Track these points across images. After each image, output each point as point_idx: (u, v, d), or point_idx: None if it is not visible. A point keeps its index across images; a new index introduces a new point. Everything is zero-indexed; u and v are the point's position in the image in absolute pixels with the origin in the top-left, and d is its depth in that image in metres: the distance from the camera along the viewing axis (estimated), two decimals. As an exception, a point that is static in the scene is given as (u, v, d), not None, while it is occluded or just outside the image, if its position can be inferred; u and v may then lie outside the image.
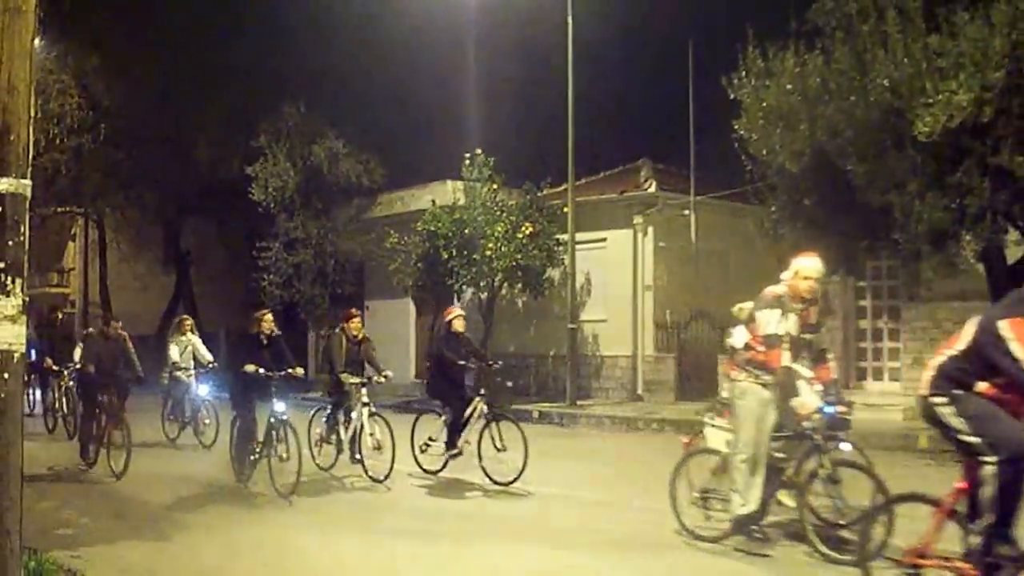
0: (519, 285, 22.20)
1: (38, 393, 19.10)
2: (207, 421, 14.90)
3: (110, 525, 9.39)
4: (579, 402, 20.58)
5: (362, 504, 10.73)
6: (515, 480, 11.11)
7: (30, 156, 4.40)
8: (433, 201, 23.40)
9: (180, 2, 28.10)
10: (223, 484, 11.42)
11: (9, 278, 4.28)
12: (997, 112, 11.90)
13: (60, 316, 18.24)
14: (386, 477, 11.43)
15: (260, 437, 11.16)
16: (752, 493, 7.71)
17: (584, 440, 16.91)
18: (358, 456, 11.86)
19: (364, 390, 11.87)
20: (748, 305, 8.68)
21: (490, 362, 12.75)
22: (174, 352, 15.51)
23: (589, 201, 22.76)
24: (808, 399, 7.61)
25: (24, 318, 4.37)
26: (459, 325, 12.29)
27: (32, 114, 4.43)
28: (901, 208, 12.84)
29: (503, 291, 22.86)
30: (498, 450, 11.41)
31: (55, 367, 16.41)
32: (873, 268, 17.43)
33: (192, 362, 15.49)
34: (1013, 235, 13.58)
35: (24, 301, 4.37)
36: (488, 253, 21.40)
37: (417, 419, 12.56)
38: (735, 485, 7.79)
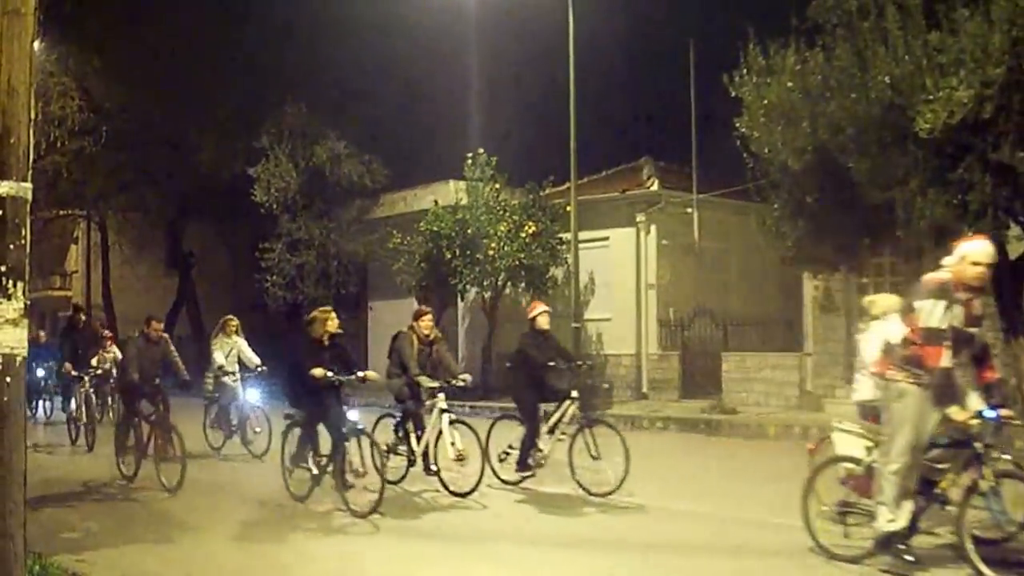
0: (522, 284, 22.22)
1: (57, 401, 18.64)
2: (257, 430, 13.75)
3: (117, 530, 9.24)
4: (583, 401, 20.57)
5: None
6: (613, 491, 10.04)
7: (31, 159, 4.40)
8: (436, 201, 23.43)
9: (181, 4, 28.11)
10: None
11: (10, 281, 4.28)
12: (998, 108, 11.88)
13: (83, 318, 16.92)
14: (472, 491, 10.27)
15: (323, 450, 10.11)
16: (903, 507, 6.87)
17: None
18: (433, 467, 10.72)
19: (441, 395, 10.67)
20: (880, 298, 8.17)
21: (579, 362, 11.58)
22: (219, 356, 14.27)
23: (592, 200, 22.77)
24: (967, 403, 6.86)
25: (26, 321, 4.37)
26: (543, 322, 11.20)
27: (32, 117, 4.43)
28: (903, 205, 12.83)
29: (506, 290, 22.87)
30: (593, 458, 10.31)
31: (74, 372, 15.46)
32: (875, 265, 17.42)
33: (237, 366, 14.29)
34: (1014, 231, 13.55)
35: (26, 305, 4.37)
36: (491, 253, 21.42)
37: (493, 424, 11.36)
38: (882, 498, 6.92)
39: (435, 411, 10.67)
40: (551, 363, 11.01)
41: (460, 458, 10.34)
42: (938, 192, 12.51)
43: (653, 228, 22.74)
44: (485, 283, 22.25)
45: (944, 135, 12.04)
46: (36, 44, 4.60)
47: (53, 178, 25.60)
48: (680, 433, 17.28)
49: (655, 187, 22.87)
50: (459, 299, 23.92)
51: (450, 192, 24.34)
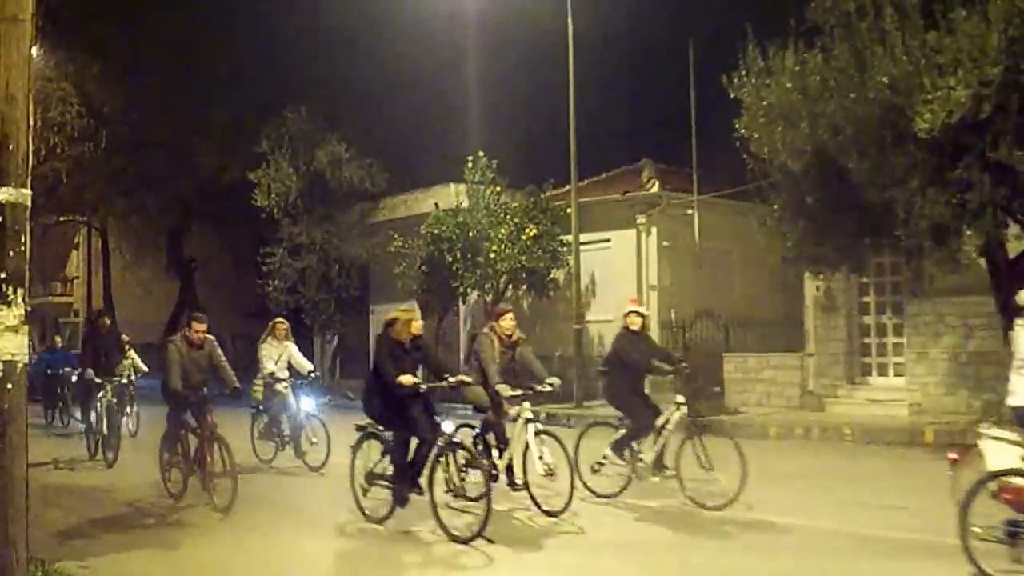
0: (524, 287, 22.25)
1: (75, 411, 18.05)
2: (314, 440, 12.57)
3: (125, 537, 9.05)
4: (586, 403, 20.55)
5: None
6: (729, 504, 9.13)
7: (30, 165, 4.41)
8: (436, 204, 23.44)
9: (180, 8, 28.14)
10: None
11: (10, 288, 4.29)
12: (995, 108, 11.89)
13: (107, 323, 15.57)
14: (564, 509, 9.15)
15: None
16: None
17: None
18: (519, 482, 9.56)
19: (526, 404, 9.52)
20: None
21: (682, 363, 10.57)
22: (268, 362, 13.10)
23: (592, 202, 22.78)
24: None
25: (26, 328, 4.39)
26: (634, 322, 10.24)
27: (31, 123, 4.45)
28: (903, 204, 12.84)
29: (508, 293, 22.88)
30: (704, 468, 9.43)
31: (97, 380, 14.09)
32: (876, 264, 17.42)
33: (287, 372, 13.20)
34: (1013, 229, 13.57)
35: (26, 311, 4.39)
36: (492, 255, 21.44)
37: (583, 433, 10.40)
38: None
39: (520, 421, 9.50)
40: (650, 366, 10.12)
41: (550, 473, 9.15)
42: (937, 191, 12.52)
43: (654, 230, 22.75)
44: (486, 286, 22.26)
45: (943, 135, 12.04)
46: (35, 50, 4.62)
47: (53, 184, 25.57)
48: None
49: (655, 189, 22.87)
50: (460, 302, 23.94)
51: (451, 195, 24.36)
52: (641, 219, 22.77)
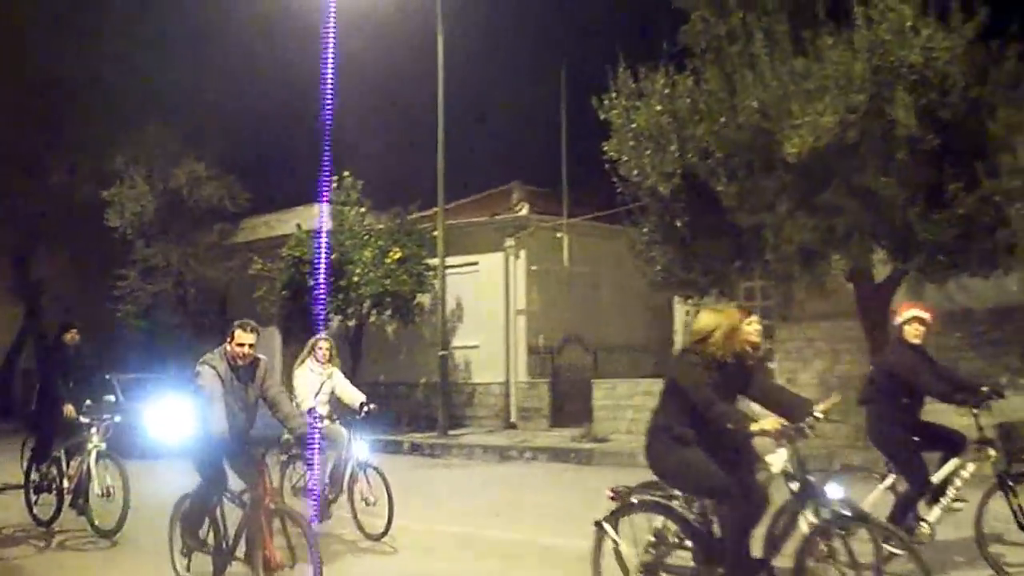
0: (388, 311, 21.62)
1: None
2: (371, 500, 9.45)
3: None
4: (451, 431, 20.06)
5: None
6: None
7: None
8: (299, 225, 22.67)
9: (28, 18, 26.72)
10: None
11: None
12: (861, 134, 12.07)
13: (76, 339, 11.49)
14: None
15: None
16: None
17: (470, 471, 16.34)
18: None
19: (780, 454, 6.09)
20: None
21: (983, 389, 7.39)
22: (304, 392, 9.93)
23: (460, 224, 22.41)
24: None
25: None
26: (913, 333, 7.53)
27: None
28: (772, 228, 12.89)
29: (372, 318, 22.23)
30: (1022, 527, 7.17)
31: (84, 419, 10.24)
32: (746, 289, 17.51)
33: (328, 407, 10.07)
34: (879, 255, 13.75)
35: None
36: (355, 279, 20.77)
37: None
38: None
39: (768, 476, 6.15)
40: (945, 395, 7.38)
41: (829, 556, 5.95)
42: (805, 216, 12.60)
43: (523, 253, 22.49)
44: (349, 311, 21.55)
45: (810, 160, 12.14)
46: None
47: None
48: (550, 463, 16.88)
49: (524, 211, 22.66)
50: (322, 327, 23.14)
51: (315, 216, 23.63)
52: (509, 242, 22.48)
